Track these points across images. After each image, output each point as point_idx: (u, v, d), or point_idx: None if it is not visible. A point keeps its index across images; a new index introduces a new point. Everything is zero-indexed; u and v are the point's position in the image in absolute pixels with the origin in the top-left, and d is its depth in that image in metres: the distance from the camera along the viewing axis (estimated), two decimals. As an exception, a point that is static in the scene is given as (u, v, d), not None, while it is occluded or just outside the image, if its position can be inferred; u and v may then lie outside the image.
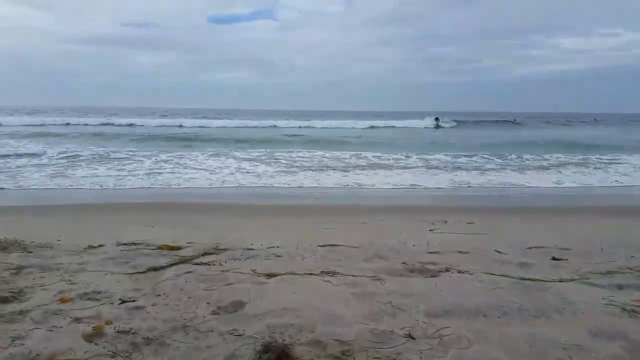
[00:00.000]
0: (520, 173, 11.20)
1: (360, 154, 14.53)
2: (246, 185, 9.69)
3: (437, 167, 11.79)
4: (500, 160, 12.88)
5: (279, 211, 7.46)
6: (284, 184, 9.85)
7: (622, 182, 10.25)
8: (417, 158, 13.58)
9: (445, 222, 6.26)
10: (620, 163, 12.98)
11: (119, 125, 29.80)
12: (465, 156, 13.85)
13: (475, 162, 12.81)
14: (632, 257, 4.40)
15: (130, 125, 29.88)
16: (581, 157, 14.64)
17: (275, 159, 12.66)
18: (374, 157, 14.01)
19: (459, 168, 11.70)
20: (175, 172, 10.62)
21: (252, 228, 5.80)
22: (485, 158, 13.64)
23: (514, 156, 13.76)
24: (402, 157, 13.89)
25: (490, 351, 2.61)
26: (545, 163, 13.01)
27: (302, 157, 13.68)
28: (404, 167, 12.08)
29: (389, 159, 13.36)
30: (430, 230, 5.70)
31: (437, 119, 41.41)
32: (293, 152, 14.65)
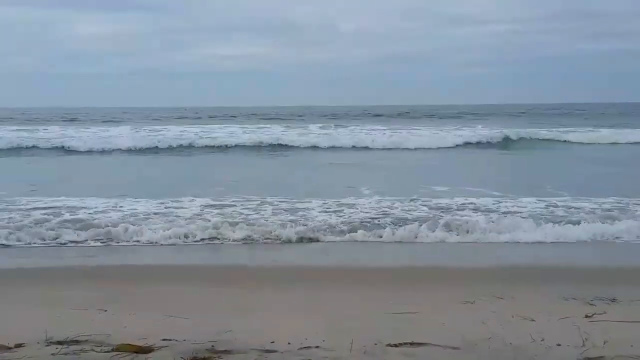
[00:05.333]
0: None
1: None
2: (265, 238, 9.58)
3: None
4: None
5: (320, 277, 7.36)
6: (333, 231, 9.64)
7: None
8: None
9: (613, 300, 5.97)
10: None
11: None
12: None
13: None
14: None
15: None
16: None
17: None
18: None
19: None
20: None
21: (274, 309, 5.69)
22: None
23: None
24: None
25: None
26: None
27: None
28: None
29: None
30: (586, 317, 5.37)
31: None
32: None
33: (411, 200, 12.21)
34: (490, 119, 50.22)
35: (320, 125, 40.09)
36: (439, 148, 27.35)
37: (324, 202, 11.92)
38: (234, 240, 9.35)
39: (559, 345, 4.50)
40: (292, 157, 24.64)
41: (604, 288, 6.33)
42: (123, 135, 29.69)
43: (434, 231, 9.65)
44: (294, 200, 12.19)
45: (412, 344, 4.51)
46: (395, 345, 4.46)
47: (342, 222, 10.24)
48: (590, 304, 5.78)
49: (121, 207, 11.47)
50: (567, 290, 6.30)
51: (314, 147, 27.37)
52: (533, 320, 5.19)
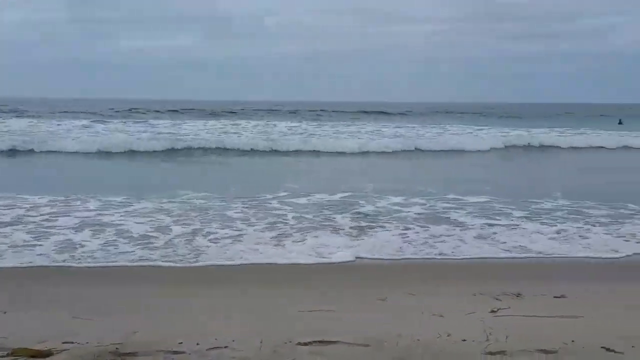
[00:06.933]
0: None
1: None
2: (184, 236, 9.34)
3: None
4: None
5: (236, 276, 7.28)
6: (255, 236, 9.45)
7: None
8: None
9: (518, 295, 6.10)
10: None
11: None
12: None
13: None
14: None
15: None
16: None
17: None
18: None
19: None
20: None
21: (186, 309, 5.61)
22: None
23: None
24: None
25: None
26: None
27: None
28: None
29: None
30: (492, 312, 5.49)
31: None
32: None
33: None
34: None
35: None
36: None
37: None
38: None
39: (464, 340, 4.59)
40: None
41: (511, 283, 6.48)
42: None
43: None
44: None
45: (322, 342, 4.52)
46: (305, 344, 4.46)
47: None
48: (497, 299, 5.89)
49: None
50: (477, 286, 6.41)
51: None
52: (442, 316, 5.29)
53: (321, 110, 67.73)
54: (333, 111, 66.80)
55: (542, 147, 28.69)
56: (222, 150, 24.91)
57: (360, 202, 12.12)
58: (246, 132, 33.86)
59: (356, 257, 8.19)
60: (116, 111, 55.30)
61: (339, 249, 8.60)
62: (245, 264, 7.86)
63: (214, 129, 36.25)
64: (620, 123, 50.45)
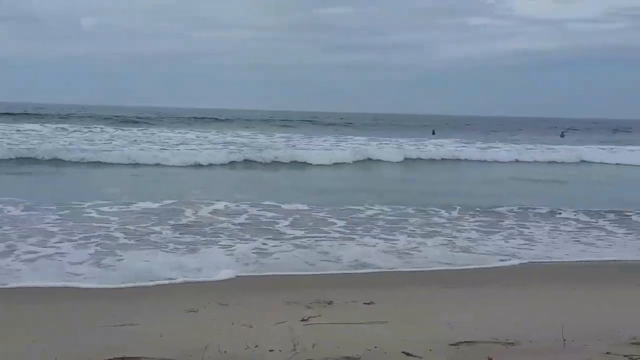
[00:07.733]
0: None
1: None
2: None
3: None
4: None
5: (35, 296, 6.73)
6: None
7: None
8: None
9: (330, 303, 6.20)
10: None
11: None
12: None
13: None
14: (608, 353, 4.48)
15: None
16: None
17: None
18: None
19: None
20: None
21: None
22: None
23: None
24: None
25: None
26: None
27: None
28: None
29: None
30: (302, 320, 5.54)
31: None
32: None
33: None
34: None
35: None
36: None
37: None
38: None
39: (271, 350, 4.60)
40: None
41: (325, 291, 6.57)
42: None
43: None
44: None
45: (123, 358, 4.39)
46: (107, 361, 4.32)
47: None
48: (309, 308, 5.94)
49: None
50: (291, 295, 6.43)
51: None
52: (251, 327, 5.26)
53: (148, 117, 66.64)
54: (157, 117, 66.60)
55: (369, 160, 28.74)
56: (40, 158, 22.67)
57: (185, 211, 11.89)
58: (68, 137, 32.41)
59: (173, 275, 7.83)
60: None
61: (157, 267, 8.14)
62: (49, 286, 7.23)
63: (30, 132, 34.36)
64: (433, 134, 53.36)
